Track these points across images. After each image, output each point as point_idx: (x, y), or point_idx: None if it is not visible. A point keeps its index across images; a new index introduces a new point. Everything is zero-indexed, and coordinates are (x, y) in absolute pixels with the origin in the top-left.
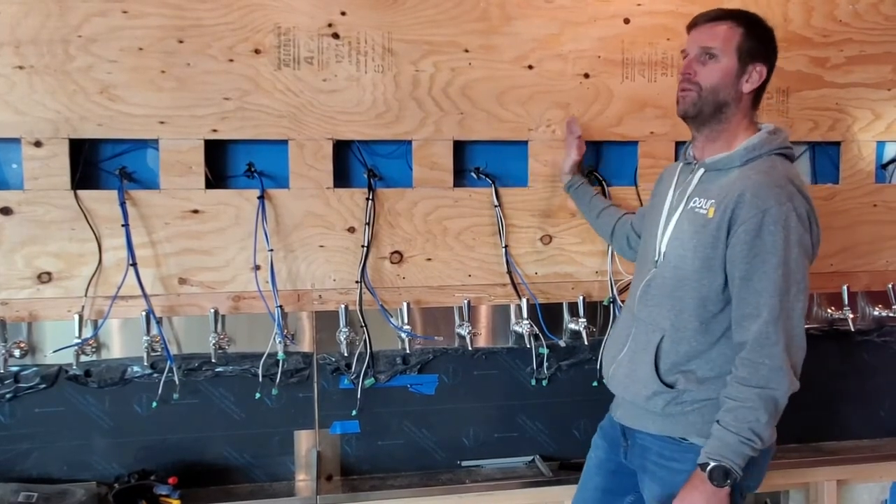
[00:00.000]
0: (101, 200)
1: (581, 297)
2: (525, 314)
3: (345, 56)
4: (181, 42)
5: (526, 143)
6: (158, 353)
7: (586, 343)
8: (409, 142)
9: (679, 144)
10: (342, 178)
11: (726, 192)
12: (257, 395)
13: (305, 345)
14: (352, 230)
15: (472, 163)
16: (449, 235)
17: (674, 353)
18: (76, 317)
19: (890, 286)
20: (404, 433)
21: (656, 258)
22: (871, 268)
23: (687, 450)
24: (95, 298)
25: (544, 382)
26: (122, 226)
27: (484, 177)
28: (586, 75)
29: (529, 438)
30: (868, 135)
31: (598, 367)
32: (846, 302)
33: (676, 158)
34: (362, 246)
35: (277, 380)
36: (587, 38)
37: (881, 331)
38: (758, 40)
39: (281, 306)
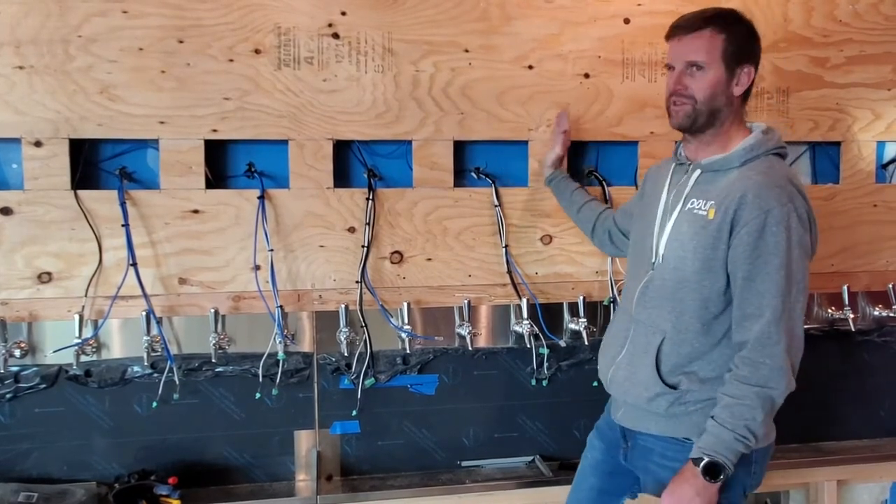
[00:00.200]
0: (102, 200)
1: (581, 297)
2: (525, 314)
3: (345, 56)
4: (181, 42)
5: (526, 143)
6: (158, 353)
7: (586, 343)
8: (410, 142)
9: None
10: (342, 178)
11: (726, 193)
12: (257, 395)
13: (305, 345)
14: (352, 230)
15: (472, 163)
16: (449, 235)
17: (675, 355)
18: (76, 317)
19: (890, 286)
20: (404, 433)
21: (653, 260)
22: (872, 268)
23: (690, 450)
24: (95, 298)
25: (544, 382)
26: (123, 226)
27: (484, 177)
28: (586, 75)
29: (529, 438)
30: (868, 135)
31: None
32: (846, 302)
33: None
34: (362, 246)
35: (277, 380)
36: (587, 38)
37: (881, 331)
38: (742, 42)
39: (281, 306)
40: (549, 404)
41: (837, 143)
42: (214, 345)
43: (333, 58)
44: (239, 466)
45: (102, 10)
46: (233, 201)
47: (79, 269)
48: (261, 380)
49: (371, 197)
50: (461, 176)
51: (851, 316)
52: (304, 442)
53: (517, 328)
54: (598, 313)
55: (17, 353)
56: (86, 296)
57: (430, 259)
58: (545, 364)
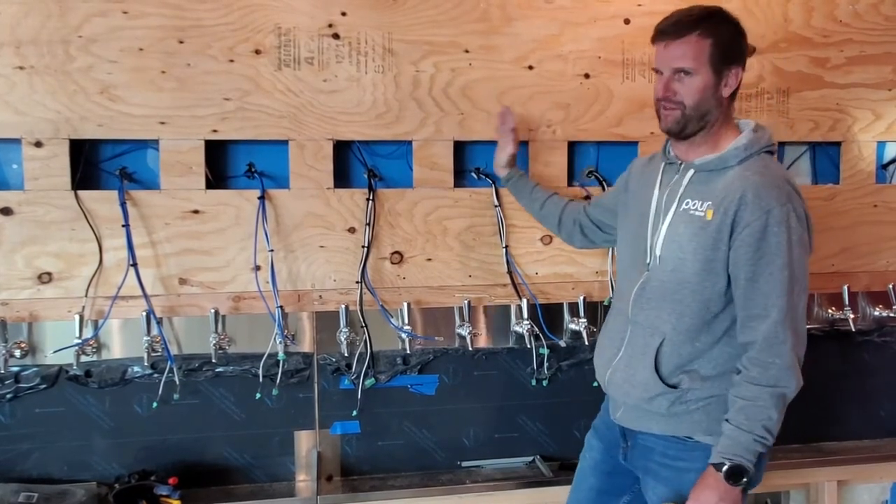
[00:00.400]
0: (102, 201)
1: (581, 298)
2: (525, 314)
3: (345, 56)
4: (181, 42)
5: (526, 143)
6: (159, 354)
7: (587, 343)
8: (410, 142)
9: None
10: (342, 178)
11: (724, 193)
12: (258, 396)
13: (306, 345)
14: (352, 230)
15: (472, 163)
16: (449, 236)
17: (676, 356)
18: (76, 317)
19: (890, 286)
20: (404, 433)
21: (648, 261)
22: (872, 268)
23: (692, 448)
24: (96, 299)
25: (545, 383)
26: (123, 226)
27: (484, 177)
28: (586, 76)
29: (530, 439)
30: (868, 135)
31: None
32: (846, 302)
33: None
34: (363, 246)
35: (278, 380)
36: (587, 39)
37: (881, 331)
38: (728, 44)
39: (281, 306)
40: (550, 404)
41: (838, 144)
42: (215, 345)
43: (334, 58)
44: (239, 467)
45: (103, 11)
46: (233, 201)
47: (79, 270)
48: (261, 380)
49: (371, 197)
50: (461, 176)
51: (852, 316)
52: (305, 442)
53: (517, 328)
54: (599, 313)
55: (18, 353)
56: (86, 296)
57: (430, 259)
58: (545, 364)
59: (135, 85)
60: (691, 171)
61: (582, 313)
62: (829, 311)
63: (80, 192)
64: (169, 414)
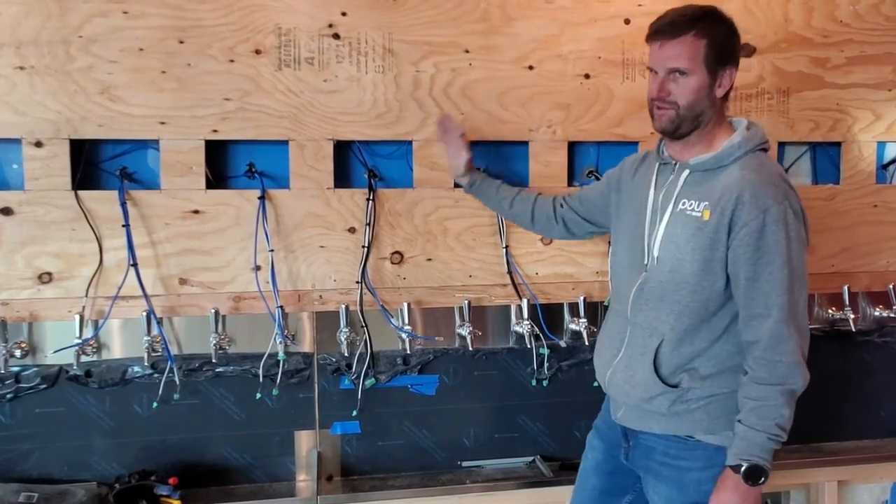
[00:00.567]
0: (102, 201)
1: (581, 298)
2: (526, 314)
3: (345, 56)
4: (182, 42)
5: (527, 143)
6: (159, 354)
7: (587, 343)
8: (410, 142)
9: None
10: (343, 178)
11: (720, 193)
12: (258, 396)
13: (306, 345)
14: (352, 230)
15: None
16: (449, 236)
17: (677, 356)
18: (77, 317)
19: (890, 287)
20: (405, 434)
21: (646, 262)
22: (872, 268)
23: (693, 447)
24: (96, 299)
25: (545, 383)
26: (123, 226)
27: None
28: (587, 76)
29: (530, 439)
30: (868, 135)
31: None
32: (847, 302)
33: None
34: (363, 246)
35: (278, 380)
36: (587, 39)
37: (882, 331)
38: (723, 44)
39: (281, 307)
40: (550, 404)
41: (838, 144)
42: (215, 345)
43: (334, 58)
44: (239, 467)
45: (103, 11)
46: (233, 202)
47: (79, 270)
48: (261, 380)
49: (371, 197)
50: None
51: (852, 316)
52: (305, 442)
53: (517, 328)
54: (599, 313)
55: (18, 353)
56: (86, 296)
57: (430, 259)
58: (545, 364)
59: (135, 85)
60: (686, 172)
61: (582, 313)
62: (830, 311)
63: (81, 192)
64: (169, 414)
